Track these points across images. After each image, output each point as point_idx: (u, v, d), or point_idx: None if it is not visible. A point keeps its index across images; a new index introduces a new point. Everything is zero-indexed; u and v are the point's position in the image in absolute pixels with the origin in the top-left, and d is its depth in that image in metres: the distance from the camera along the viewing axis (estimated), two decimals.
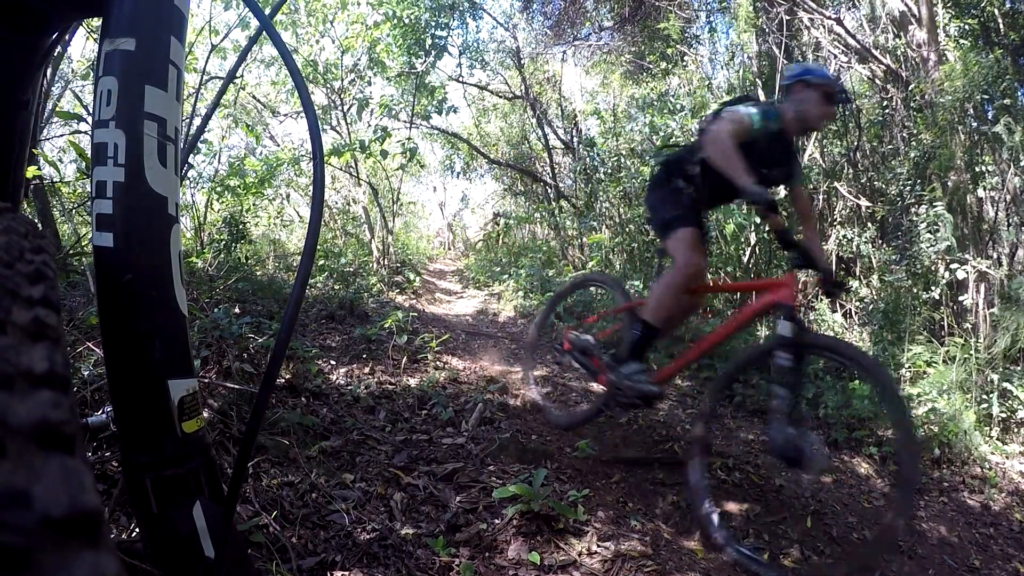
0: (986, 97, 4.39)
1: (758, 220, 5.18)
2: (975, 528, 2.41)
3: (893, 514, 1.72)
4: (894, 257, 4.72)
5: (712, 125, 2.21)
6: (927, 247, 4.25)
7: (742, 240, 5.32)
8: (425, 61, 7.84)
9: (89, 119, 1.14)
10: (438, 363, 3.69)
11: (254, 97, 8.53)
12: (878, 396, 2.59)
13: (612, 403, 2.44)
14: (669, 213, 2.41)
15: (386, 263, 7.51)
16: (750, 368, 2.95)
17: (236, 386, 2.08)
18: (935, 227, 4.22)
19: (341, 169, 7.90)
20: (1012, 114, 4.24)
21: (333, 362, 3.29)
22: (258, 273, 5.15)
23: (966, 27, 5.00)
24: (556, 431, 2.79)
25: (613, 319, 3.19)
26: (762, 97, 5.98)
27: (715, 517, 1.99)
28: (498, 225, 13.17)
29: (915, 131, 4.91)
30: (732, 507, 2.30)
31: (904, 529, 2.29)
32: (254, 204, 5.65)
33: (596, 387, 3.14)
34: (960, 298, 4.18)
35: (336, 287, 5.43)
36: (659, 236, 2.53)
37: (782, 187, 3.31)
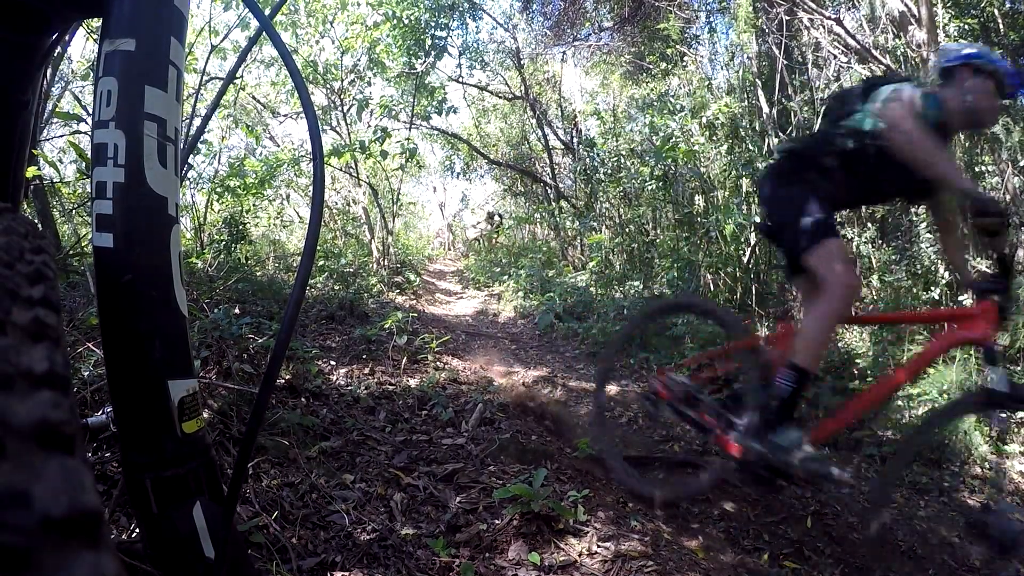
0: None
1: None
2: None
3: None
4: (894, 257, 4.72)
5: (889, 107, 1.77)
6: (927, 247, 4.25)
7: (742, 240, 5.32)
8: (425, 61, 7.84)
9: (89, 120, 1.14)
10: (438, 364, 3.69)
11: (254, 98, 8.53)
12: None
13: (743, 476, 1.93)
14: (809, 217, 1.88)
15: (386, 263, 7.51)
16: (948, 424, 2.30)
17: (236, 386, 2.08)
18: (934, 227, 4.23)
19: (341, 170, 7.90)
20: (1011, 115, 4.24)
21: (333, 362, 3.29)
22: (258, 274, 5.15)
23: (966, 27, 5.00)
24: (555, 433, 2.78)
25: (724, 358, 2.49)
26: (762, 99, 5.99)
27: None
28: (491, 224, 13.05)
29: None
30: (732, 507, 2.29)
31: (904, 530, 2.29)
32: (254, 205, 5.65)
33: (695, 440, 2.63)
34: (960, 298, 4.18)
35: (336, 287, 5.43)
36: (793, 247, 1.96)
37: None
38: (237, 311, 2.93)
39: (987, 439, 3.09)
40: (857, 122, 1.93)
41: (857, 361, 3.84)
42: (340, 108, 7.33)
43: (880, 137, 1.80)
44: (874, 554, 1.84)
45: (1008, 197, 4.50)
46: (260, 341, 2.54)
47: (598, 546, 1.74)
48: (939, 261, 4.23)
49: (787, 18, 5.77)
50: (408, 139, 7.34)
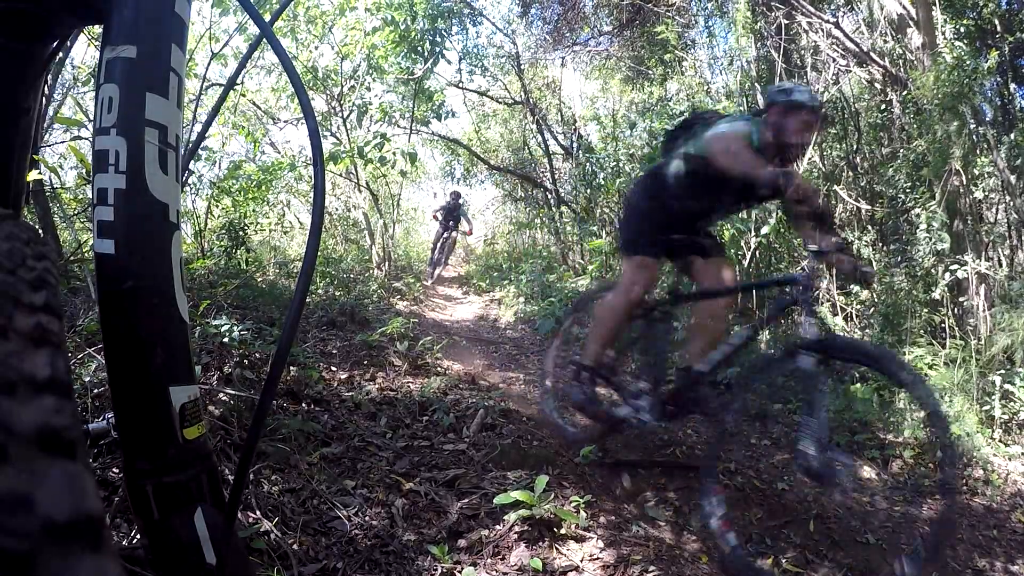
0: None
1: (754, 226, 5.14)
2: (978, 530, 2.40)
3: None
4: (895, 259, 4.72)
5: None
6: (925, 248, 4.24)
7: (742, 244, 5.32)
8: (424, 67, 7.86)
9: (90, 126, 1.14)
10: (439, 369, 3.68)
11: (254, 104, 8.55)
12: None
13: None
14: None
15: (387, 269, 7.51)
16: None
17: (237, 393, 2.08)
18: (932, 228, 4.22)
19: (341, 175, 7.91)
20: (1008, 117, 4.24)
21: (334, 368, 3.29)
22: (259, 279, 5.15)
23: (963, 29, 5.01)
24: (558, 436, 2.77)
25: None
26: (762, 102, 5.99)
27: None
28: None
29: (912, 134, 4.92)
30: (734, 512, 2.28)
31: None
32: (253, 211, 5.66)
33: None
34: (961, 299, 4.18)
35: (337, 293, 5.43)
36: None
37: None
38: (238, 317, 2.93)
39: (989, 441, 3.08)
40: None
41: None
42: (340, 114, 7.34)
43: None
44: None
45: (1008, 197, 4.51)
46: (261, 347, 2.54)
47: (600, 551, 1.73)
48: (938, 263, 4.23)
49: (785, 22, 5.79)
50: (409, 144, 7.34)
